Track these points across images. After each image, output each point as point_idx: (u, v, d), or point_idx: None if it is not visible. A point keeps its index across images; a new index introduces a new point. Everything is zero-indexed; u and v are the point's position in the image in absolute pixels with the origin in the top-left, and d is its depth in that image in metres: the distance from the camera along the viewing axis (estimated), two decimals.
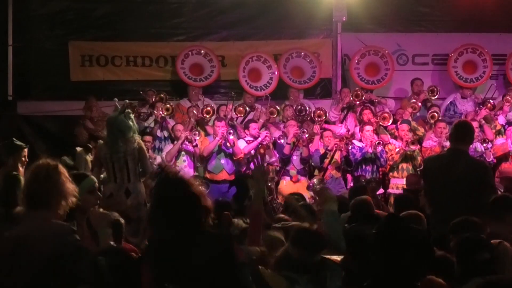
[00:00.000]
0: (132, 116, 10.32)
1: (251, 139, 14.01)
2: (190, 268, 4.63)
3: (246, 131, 14.18)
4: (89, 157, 12.50)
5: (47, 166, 5.24)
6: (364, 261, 5.09)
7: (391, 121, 14.36)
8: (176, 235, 4.68)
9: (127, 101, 10.46)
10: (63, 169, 5.31)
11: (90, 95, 14.90)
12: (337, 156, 13.99)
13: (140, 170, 9.99)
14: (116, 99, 10.75)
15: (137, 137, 10.32)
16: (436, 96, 15.18)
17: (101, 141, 10.57)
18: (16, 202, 9.11)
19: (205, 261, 4.64)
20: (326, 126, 14.55)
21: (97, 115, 14.59)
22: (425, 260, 4.56)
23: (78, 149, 12.66)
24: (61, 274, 4.98)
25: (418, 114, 14.87)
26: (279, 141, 13.94)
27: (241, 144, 14.02)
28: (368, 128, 14.06)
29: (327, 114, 14.66)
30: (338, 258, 5.73)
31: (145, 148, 10.48)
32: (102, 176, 10.49)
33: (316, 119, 14.46)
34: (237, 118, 14.65)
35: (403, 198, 9.99)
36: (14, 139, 10.33)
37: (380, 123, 14.39)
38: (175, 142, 13.88)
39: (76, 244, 5.13)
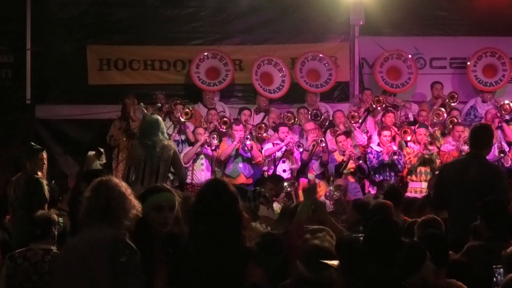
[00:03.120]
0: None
1: (280, 142, 14.03)
2: (204, 276, 4.76)
3: (275, 134, 14.21)
4: (100, 161, 12.57)
5: (108, 182, 5.22)
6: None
7: (409, 137, 14.22)
8: (204, 245, 4.81)
9: (159, 104, 10.58)
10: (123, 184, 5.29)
11: (130, 95, 14.80)
12: (351, 165, 13.91)
13: (171, 176, 10.01)
14: (142, 104, 10.86)
15: (173, 144, 10.40)
16: (456, 103, 15.10)
17: (136, 140, 10.64)
18: (38, 205, 9.23)
19: (219, 273, 4.77)
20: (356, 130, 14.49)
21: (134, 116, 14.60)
22: (415, 263, 4.60)
23: (90, 153, 12.73)
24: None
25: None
26: (297, 150, 13.92)
27: (268, 147, 14.10)
28: (386, 133, 14.03)
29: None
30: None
31: (180, 156, 10.54)
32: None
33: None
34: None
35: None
36: (32, 143, 10.41)
37: (401, 136, 14.30)
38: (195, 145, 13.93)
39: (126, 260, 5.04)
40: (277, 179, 12.43)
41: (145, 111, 10.52)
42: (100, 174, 7.58)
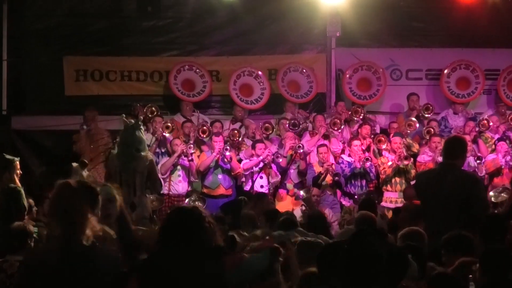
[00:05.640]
0: (143, 129, 10.40)
1: (257, 157, 14.00)
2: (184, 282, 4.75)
3: (252, 151, 14.11)
4: (85, 173, 12.51)
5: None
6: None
7: (385, 145, 14.29)
8: (178, 252, 4.81)
9: (141, 117, 10.54)
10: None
11: (91, 107, 14.84)
12: (329, 178, 13.91)
13: (148, 187, 10.04)
14: (123, 115, 10.79)
15: (150, 155, 10.36)
16: (431, 114, 15.18)
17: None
18: (17, 215, 9.16)
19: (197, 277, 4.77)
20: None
21: (94, 128, 14.61)
22: (395, 275, 4.60)
23: (74, 164, 12.67)
24: None
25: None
26: (277, 160, 13.91)
27: (246, 161, 14.08)
28: (356, 143, 14.11)
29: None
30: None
31: (156, 167, 10.51)
32: None
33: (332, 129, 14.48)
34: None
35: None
36: (4, 154, 10.36)
37: (376, 144, 14.37)
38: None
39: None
40: (258, 197, 12.37)
41: (126, 121, 10.43)
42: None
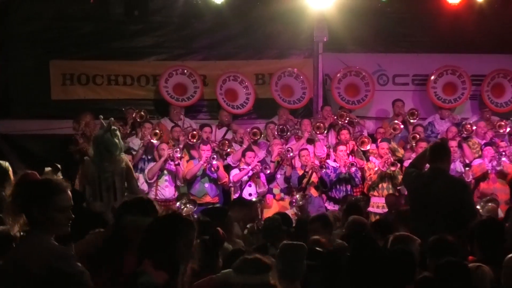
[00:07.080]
0: (118, 133, 10.34)
1: (246, 167, 13.96)
2: None
3: (242, 159, 14.07)
4: (57, 177, 12.39)
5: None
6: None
7: (369, 146, 14.37)
8: None
9: (112, 119, 10.49)
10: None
11: (87, 112, 14.70)
12: (314, 177, 13.93)
13: (127, 189, 10.00)
14: (101, 116, 10.74)
15: (125, 157, 10.31)
16: (416, 119, 15.22)
17: (87, 158, 10.55)
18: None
19: None
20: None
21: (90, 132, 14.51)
22: (397, 279, 4.61)
23: (47, 169, 12.57)
24: None
25: (399, 135, 14.89)
26: (265, 171, 13.89)
27: (235, 173, 14.02)
28: (342, 148, 14.14)
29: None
30: None
31: (132, 168, 10.47)
32: None
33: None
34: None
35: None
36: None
37: (359, 146, 14.42)
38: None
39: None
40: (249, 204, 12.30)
41: (104, 124, 10.39)
42: None
